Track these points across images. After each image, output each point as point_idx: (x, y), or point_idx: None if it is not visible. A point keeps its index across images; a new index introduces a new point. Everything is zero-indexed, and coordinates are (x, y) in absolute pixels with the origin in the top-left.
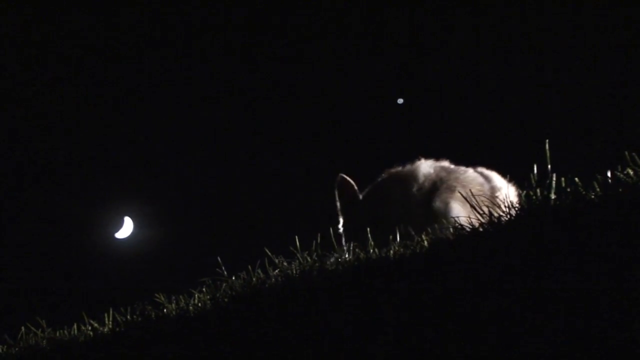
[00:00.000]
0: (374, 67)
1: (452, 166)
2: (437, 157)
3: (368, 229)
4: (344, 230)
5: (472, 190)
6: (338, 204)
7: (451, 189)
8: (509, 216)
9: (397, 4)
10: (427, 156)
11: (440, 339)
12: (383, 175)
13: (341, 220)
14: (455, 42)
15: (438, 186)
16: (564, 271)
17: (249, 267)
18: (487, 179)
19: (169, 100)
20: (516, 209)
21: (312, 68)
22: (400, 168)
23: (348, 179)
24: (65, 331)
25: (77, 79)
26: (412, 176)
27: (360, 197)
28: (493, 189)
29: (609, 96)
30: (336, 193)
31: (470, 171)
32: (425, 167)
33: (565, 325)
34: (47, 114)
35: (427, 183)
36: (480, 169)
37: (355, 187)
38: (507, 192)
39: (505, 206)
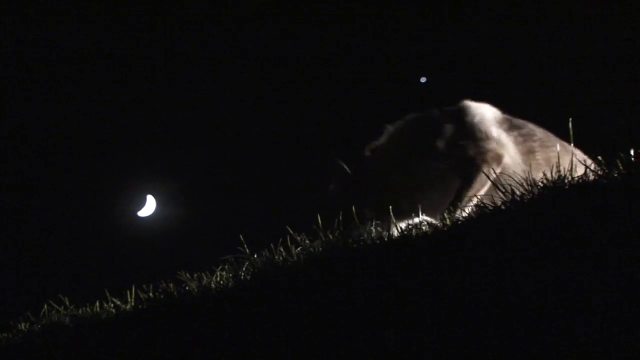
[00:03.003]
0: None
1: None
2: None
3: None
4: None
5: None
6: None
7: None
8: (531, 195)
9: None
10: None
11: (460, 318)
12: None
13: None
14: (476, 19)
15: None
16: (586, 249)
17: (271, 245)
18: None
19: (192, 78)
20: (539, 187)
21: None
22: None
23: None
24: (88, 309)
25: (102, 59)
26: None
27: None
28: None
29: (629, 76)
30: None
31: None
32: None
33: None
34: (70, 93)
35: None
36: None
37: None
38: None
39: (527, 184)
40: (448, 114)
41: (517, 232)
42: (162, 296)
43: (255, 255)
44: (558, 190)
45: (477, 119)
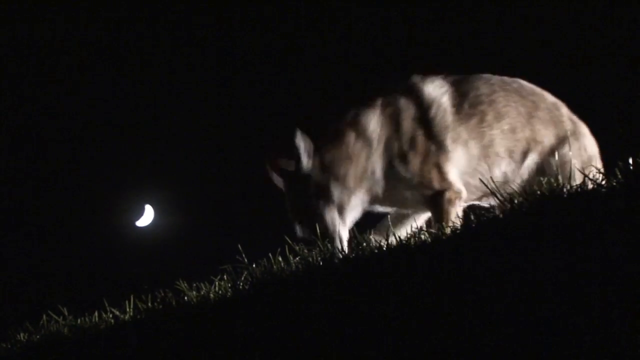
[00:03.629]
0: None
1: None
2: None
3: None
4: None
5: None
6: None
7: None
8: (528, 202)
9: None
10: None
11: (454, 325)
12: None
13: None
14: (472, 19)
15: None
16: (581, 258)
17: (270, 254)
18: None
19: (190, 87)
20: (536, 195)
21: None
22: None
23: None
24: (87, 319)
25: (100, 68)
26: None
27: None
28: None
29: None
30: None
31: None
32: None
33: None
34: (68, 103)
35: None
36: None
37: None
38: None
39: (525, 192)
40: (404, 106)
41: (516, 241)
42: (160, 306)
43: (254, 265)
44: (556, 199)
45: (437, 124)
